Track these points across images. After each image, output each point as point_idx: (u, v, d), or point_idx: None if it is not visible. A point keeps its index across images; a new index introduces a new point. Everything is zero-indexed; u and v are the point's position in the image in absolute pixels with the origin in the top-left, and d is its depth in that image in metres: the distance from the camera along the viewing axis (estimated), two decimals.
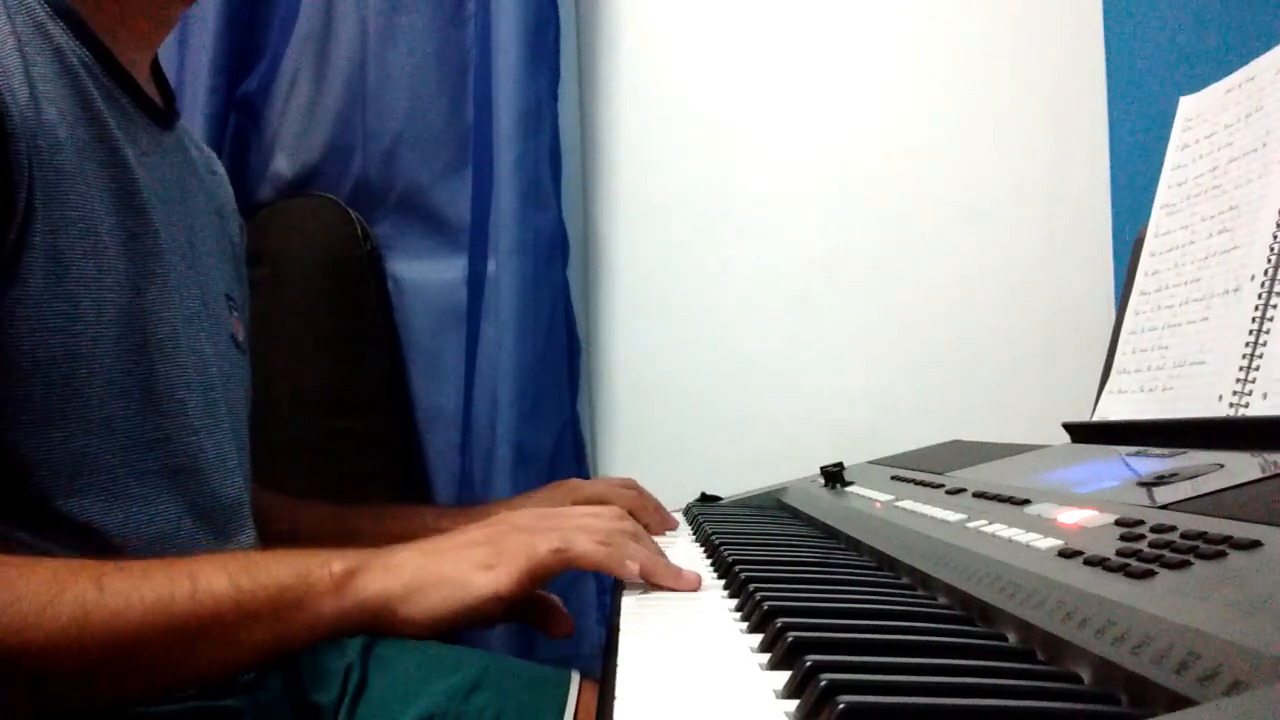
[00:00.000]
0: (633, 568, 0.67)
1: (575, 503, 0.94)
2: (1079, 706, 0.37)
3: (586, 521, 0.72)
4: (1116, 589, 0.42)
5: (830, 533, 0.83)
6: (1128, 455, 0.73)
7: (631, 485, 1.00)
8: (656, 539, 0.91)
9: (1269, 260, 0.72)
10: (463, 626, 0.69)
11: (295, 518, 0.99)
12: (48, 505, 0.64)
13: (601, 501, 0.91)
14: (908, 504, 0.77)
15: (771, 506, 1.09)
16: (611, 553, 0.68)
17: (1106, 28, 1.37)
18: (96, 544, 0.66)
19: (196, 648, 0.61)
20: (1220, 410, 0.71)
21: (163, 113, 0.80)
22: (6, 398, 0.63)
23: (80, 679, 0.58)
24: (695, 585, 0.66)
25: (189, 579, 0.61)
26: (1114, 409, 0.87)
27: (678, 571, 0.67)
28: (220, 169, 0.97)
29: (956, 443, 1.12)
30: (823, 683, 0.37)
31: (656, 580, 0.67)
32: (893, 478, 0.93)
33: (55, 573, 0.58)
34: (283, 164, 1.41)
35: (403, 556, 0.68)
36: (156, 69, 0.84)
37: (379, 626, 0.67)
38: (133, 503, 0.68)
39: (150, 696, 0.65)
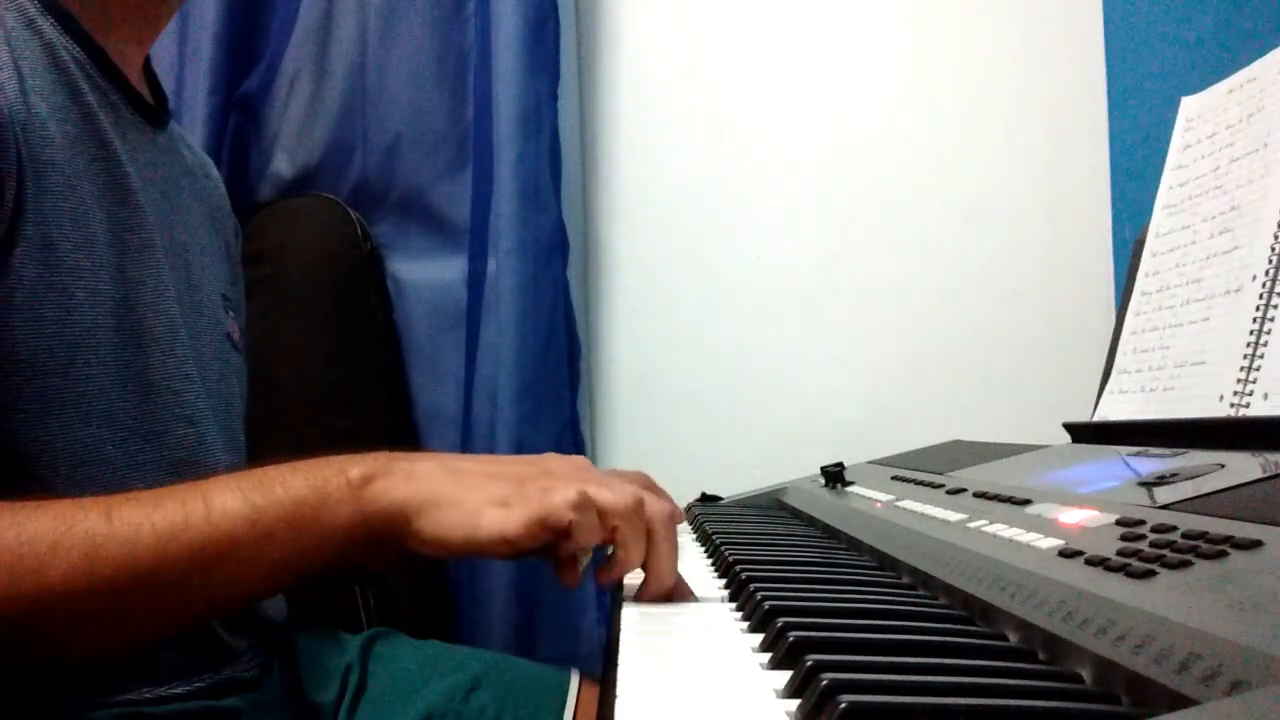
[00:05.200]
0: (624, 568, 0.64)
1: None
2: (1080, 706, 0.37)
3: (616, 484, 0.67)
4: (1117, 589, 0.42)
5: (831, 533, 0.83)
6: (1128, 455, 0.73)
7: (641, 478, 0.96)
8: None
9: (1270, 260, 0.72)
10: (469, 557, 0.65)
11: None
12: (48, 497, 0.64)
13: None
14: (908, 504, 0.77)
15: (772, 506, 1.09)
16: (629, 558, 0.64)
17: (1106, 28, 1.37)
18: None
19: (215, 571, 0.59)
20: (1221, 410, 0.71)
21: (155, 111, 0.80)
22: (4, 389, 0.63)
23: (96, 617, 0.57)
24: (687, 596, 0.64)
25: (202, 501, 0.59)
26: (1114, 409, 0.87)
27: (620, 568, 0.64)
28: (214, 172, 0.96)
29: (957, 443, 1.12)
30: (824, 682, 0.37)
31: (616, 563, 0.64)
32: (893, 478, 0.93)
33: (62, 509, 0.57)
34: (283, 164, 1.41)
35: (426, 466, 0.65)
36: (149, 70, 0.84)
37: (394, 537, 0.63)
38: None
39: (170, 630, 0.64)
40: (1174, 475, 0.58)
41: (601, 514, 0.63)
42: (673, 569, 0.64)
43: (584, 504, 0.62)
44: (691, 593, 0.65)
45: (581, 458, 0.72)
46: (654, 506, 0.65)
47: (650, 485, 0.93)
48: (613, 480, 0.67)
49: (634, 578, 0.65)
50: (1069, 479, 0.72)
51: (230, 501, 0.60)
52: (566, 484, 0.63)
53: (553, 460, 0.70)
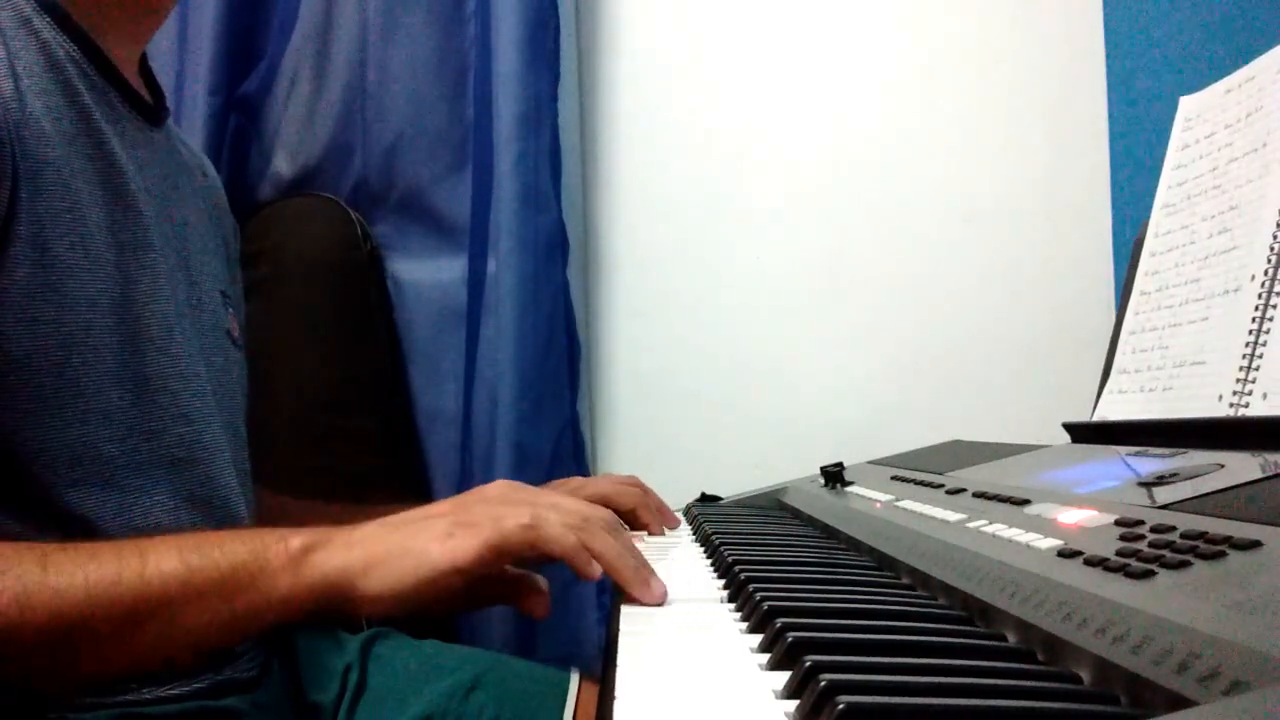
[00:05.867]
0: (596, 570, 0.64)
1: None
2: (1079, 706, 0.37)
3: (562, 502, 0.69)
4: (1116, 589, 0.42)
5: (830, 533, 0.83)
6: (1128, 455, 0.73)
7: (635, 483, 0.98)
8: (658, 539, 0.91)
9: (1269, 260, 0.72)
10: (427, 603, 0.64)
11: (300, 520, 0.98)
12: (45, 496, 0.64)
13: (603, 500, 0.88)
14: (908, 504, 0.77)
15: (771, 506, 1.09)
16: (579, 547, 0.64)
17: (1106, 28, 1.37)
18: (93, 536, 0.65)
19: (145, 627, 0.60)
20: (1220, 410, 0.71)
21: (152, 110, 0.80)
22: (1, 387, 0.63)
23: (21, 661, 0.57)
24: (660, 599, 0.62)
25: (139, 557, 0.60)
26: (1114, 409, 0.87)
27: (646, 579, 0.63)
28: (212, 171, 0.96)
29: (956, 443, 1.12)
30: (822, 683, 0.37)
31: (622, 584, 0.63)
32: (893, 478, 0.93)
33: (0, 552, 0.57)
34: (283, 164, 1.40)
35: (365, 531, 0.66)
36: (146, 69, 0.84)
37: (340, 603, 0.64)
38: (129, 494, 0.68)
39: (100, 679, 0.63)
40: (1173, 475, 0.58)
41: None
42: (634, 574, 0.64)
43: (539, 522, 0.64)
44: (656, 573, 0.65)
45: (516, 482, 0.75)
46: (596, 513, 0.68)
47: (638, 488, 0.95)
48: (557, 499, 0.69)
49: None
50: (1068, 479, 0.72)
51: (166, 560, 0.61)
52: (517, 508, 0.65)
53: (489, 489, 0.72)
